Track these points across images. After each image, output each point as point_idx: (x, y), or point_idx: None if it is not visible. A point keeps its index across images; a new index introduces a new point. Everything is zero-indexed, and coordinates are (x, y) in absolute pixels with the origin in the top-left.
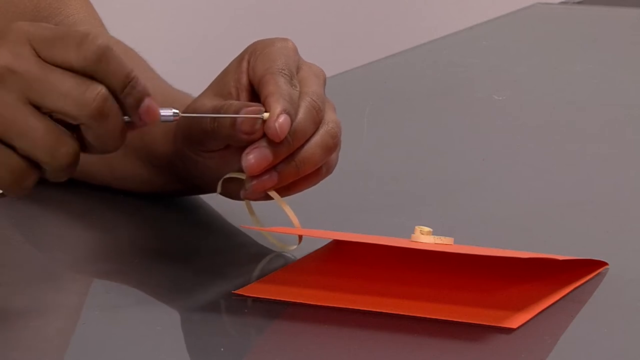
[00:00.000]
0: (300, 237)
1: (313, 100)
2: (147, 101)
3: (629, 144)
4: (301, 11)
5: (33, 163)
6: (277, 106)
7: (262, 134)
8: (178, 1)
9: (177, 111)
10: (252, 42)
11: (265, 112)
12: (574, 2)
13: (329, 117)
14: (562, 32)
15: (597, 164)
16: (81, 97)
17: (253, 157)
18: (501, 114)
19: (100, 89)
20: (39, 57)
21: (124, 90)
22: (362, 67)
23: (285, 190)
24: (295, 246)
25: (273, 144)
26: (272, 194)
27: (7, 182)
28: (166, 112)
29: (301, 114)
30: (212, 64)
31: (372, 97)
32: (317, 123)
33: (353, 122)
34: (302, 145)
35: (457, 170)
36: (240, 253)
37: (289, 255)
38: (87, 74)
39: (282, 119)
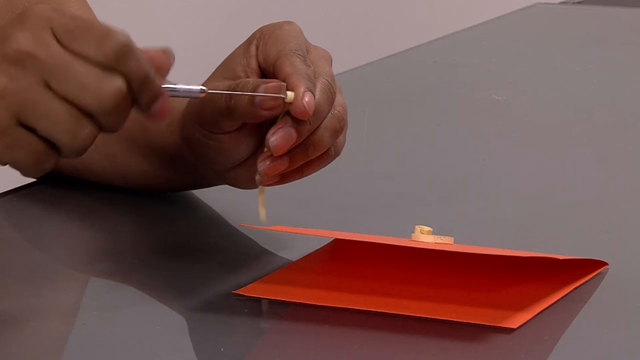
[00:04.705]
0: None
1: (327, 80)
2: (160, 101)
3: (629, 144)
4: (301, 11)
5: (52, 145)
6: (301, 85)
7: (282, 109)
8: (178, 1)
9: (204, 88)
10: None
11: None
12: (574, 2)
13: (336, 100)
14: (562, 32)
15: (597, 164)
16: (100, 90)
17: (279, 138)
18: (501, 114)
19: (119, 84)
20: (60, 44)
21: (141, 89)
22: (362, 67)
23: (296, 173)
24: (263, 220)
25: (296, 123)
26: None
27: (27, 164)
28: (193, 88)
29: (318, 95)
30: (212, 64)
31: (372, 97)
32: (332, 103)
33: (353, 122)
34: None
35: (457, 170)
36: (240, 253)
37: (289, 255)
38: (106, 69)
39: (308, 97)
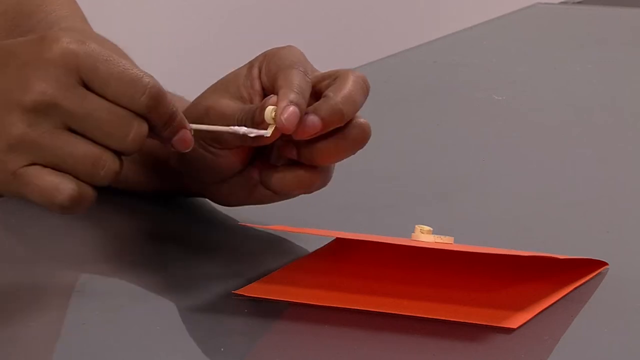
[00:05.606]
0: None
1: (358, 76)
2: (181, 133)
3: (629, 144)
4: (301, 11)
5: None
6: (284, 100)
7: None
8: (178, 1)
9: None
10: (259, 51)
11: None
12: (574, 2)
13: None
14: (562, 32)
15: (597, 164)
16: (125, 136)
17: (288, 116)
18: (501, 114)
19: (142, 129)
20: (86, 86)
21: (164, 127)
22: (362, 67)
23: (332, 154)
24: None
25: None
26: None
27: (40, 202)
28: None
29: (350, 86)
30: (211, 63)
31: (372, 97)
32: (366, 94)
33: None
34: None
35: (457, 170)
36: (240, 253)
37: (288, 255)
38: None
39: (287, 113)
